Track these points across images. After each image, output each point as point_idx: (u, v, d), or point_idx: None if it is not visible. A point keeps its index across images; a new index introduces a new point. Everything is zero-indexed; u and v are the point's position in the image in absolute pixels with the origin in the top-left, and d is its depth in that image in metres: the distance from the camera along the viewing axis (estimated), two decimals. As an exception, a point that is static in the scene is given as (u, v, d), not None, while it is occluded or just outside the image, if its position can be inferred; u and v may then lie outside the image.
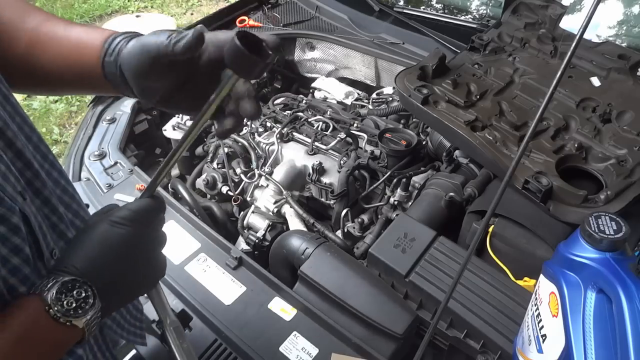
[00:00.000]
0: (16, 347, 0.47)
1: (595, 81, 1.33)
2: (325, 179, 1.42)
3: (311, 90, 1.82)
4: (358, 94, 1.76)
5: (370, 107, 1.65)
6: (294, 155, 1.48)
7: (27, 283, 0.51)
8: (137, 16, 4.59)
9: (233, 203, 1.47)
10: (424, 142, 1.47)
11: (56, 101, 3.40)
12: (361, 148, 1.46)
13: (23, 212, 0.51)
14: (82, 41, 0.63)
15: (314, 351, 0.96)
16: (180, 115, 1.64)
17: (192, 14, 4.73)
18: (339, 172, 1.39)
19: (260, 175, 1.47)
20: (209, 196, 1.55)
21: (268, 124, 1.56)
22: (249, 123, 1.58)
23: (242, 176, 1.49)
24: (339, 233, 1.34)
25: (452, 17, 1.94)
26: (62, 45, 0.64)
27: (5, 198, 0.48)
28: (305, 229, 1.32)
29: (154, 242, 0.61)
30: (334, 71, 1.94)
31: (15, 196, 0.50)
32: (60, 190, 0.63)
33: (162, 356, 0.96)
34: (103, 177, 1.35)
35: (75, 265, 0.52)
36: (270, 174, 1.44)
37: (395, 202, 1.31)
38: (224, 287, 1.08)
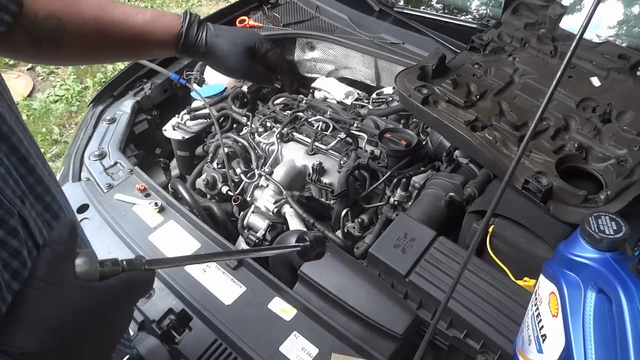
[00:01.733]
0: None
1: (595, 81, 1.33)
2: (325, 179, 1.42)
3: (311, 90, 1.82)
4: (358, 94, 1.76)
5: (370, 107, 1.65)
6: (294, 155, 1.48)
7: None
8: (137, 16, 4.59)
9: (233, 203, 1.47)
10: (424, 142, 1.47)
11: (56, 101, 3.40)
12: (361, 148, 1.46)
13: (22, 216, 0.50)
14: (151, 28, 0.80)
15: (314, 351, 0.96)
16: (180, 115, 1.64)
17: (192, 14, 4.72)
18: (339, 172, 1.39)
19: (260, 175, 1.47)
20: (209, 196, 1.55)
21: (268, 124, 1.56)
22: (248, 123, 1.58)
23: (242, 176, 1.49)
24: (339, 233, 1.34)
25: (452, 17, 1.94)
26: (130, 30, 0.78)
27: (4, 200, 0.48)
28: (305, 229, 1.32)
29: (127, 320, 0.52)
30: (334, 71, 1.94)
31: (14, 200, 0.49)
32: (62, 198, 0.63)
33: (162, 356, 0.96)
34: (103, 177, 1.35)
35: (30, 345, 0.40)
36: (270, 174, 1.44)
37: (395, 202, 1.31)
38: (224, 287, 1.08)
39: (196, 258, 0.58)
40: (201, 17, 0.85)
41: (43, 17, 0.69)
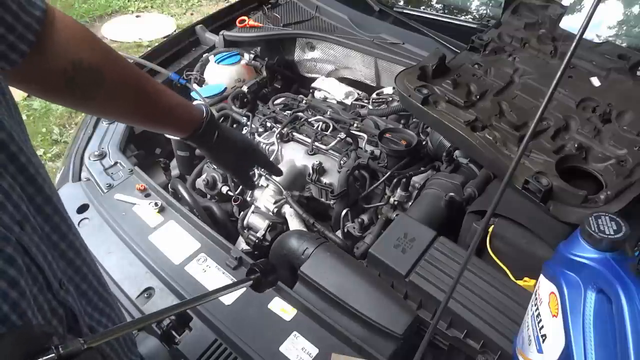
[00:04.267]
0: None
1: (595, 81, 1.33)
2: (325, 179, 1.42)
3: (311, 90, 1.82)
4: (358, 94, 1.76)
5: (370, 107, 1.65)
6: (294, 155, 1.48)
7: (24, 318, 0.47)
8: (137, 16, 4.60)
9: (233, 203, 1.47)
10: (424, 142, 1.47)
11: (56, 101, 3.40)
12: (361, 148, 1.46)
13: (20, 242, 0.48)
14: (177, 115, 0.88)
15: (314, 351, 0.96)
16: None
17: (192, 14, 4.73)
18: (339, 172, 1.39)
19: (260, 175, 1.47)
20: (209, 196, 1.55)
21: (268, 124, 1.56)
22: (248, 123, 1.58)
23: (242, 176, 1.49)
24: (339, 233, 1.34)
25: (452, 17, 1.94)
26: (157, 113, 0.85)
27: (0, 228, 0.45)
28: (305, 229, 1.32)
29: None
30: (334, 71, 1.94)
31: (11, 226, 0.47)
32: (70, 219, 0.62)
33: (162, 356, 0.96)
34: (103, 177, 1.35)
35: None
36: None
37: (395, 202, 1.31)
38: (224, 287, 1.08)
39: (139, 321, 0.57)
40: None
41: (87, 67, 0.70)
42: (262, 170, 1.45)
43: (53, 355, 0.41)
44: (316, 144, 1.46)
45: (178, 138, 0.95)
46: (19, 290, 0.46)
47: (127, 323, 0.54)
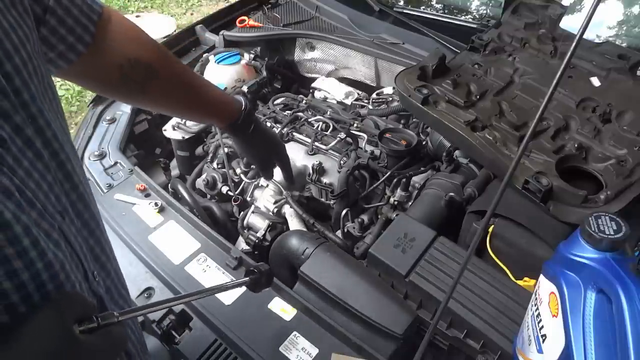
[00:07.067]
0: None
1: (595, 81, 1.33)
2: (325, 179, 1.42)
3: (311, 90, 1.82)
4: (358, 94, 1.76)
5: (370, 107, 1.65)
6: (294, 155, 1.48)
7: None
8: (137, 16, 4.59)
9: (233, 203, 1.47)
10: (424, 142, 1.47)
11: (56, 101, 3.40)
12: (361, 148, 1.46)
13: (62, 230, 0.51)
14: (218, 104, 0.96)
15: (314, 351, 0.96)
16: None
17: (192, 14, 4.73)
18: (339, 172, 1.39)
19: (260, 175, 1.46)
20: (209, 196, 1.55)
21: (268, 124, 1.56)
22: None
23: (242, 176, 1.49)
24: (339, 233, 1.34)
25: (452, 17, 1.94)
26: (196, 105, 0.94)
27: (46, 215, 0.48)
28: (305, 229, 1.32)
29: None
30: (334, 71, 1.94)
31: (54, 214, 0.50)
32: (98, 216, 0.65)
33: (162, 356, 0.96)
34: (103, 177, 1.35)
35: None
36: (270, 174, 1.44)
37: (395, 202, 1.31)
38: (224, 287, 1.08)
39: (160, 303, 0.62)
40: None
41: (143, 64, 0.78)
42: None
43: (94, 323, 0.47)
44: (316, 144, 1.46)
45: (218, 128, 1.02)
46: (65, 272, 0.49)
47: (152, 303, 0.60)
